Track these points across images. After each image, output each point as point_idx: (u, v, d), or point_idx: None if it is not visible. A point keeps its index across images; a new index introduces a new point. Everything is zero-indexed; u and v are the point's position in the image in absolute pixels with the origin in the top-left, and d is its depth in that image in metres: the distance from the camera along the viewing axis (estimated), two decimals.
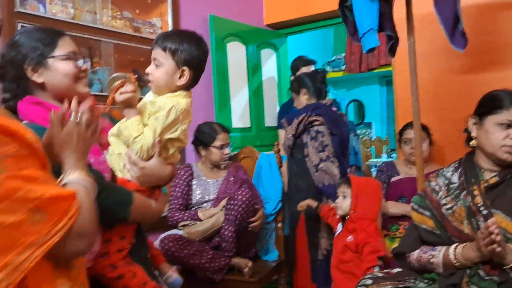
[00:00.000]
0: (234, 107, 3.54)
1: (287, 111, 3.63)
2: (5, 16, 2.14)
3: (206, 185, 2.75)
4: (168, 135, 1.48)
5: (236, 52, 3.58)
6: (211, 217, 2.57)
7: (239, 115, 3.58)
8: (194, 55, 1.49)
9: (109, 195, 1.33)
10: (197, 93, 3.27)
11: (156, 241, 2.50)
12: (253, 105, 3.73)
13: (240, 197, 2.48)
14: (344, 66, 5.24)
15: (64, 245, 0.87)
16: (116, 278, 1.40)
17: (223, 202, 2.59)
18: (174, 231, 2.56)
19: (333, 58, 5.40)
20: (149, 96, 1.55)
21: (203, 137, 2.75)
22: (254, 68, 3.76)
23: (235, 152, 3.07)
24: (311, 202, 2.61)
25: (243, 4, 3.78)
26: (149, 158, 1.47)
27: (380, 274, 1.82)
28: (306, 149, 2.71)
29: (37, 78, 1.37)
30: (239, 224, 2.48)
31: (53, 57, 1.37)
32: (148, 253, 1.61)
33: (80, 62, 1.43)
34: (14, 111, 1.36)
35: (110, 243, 1.41)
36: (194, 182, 2.76)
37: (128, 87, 1.45)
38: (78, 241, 0.91)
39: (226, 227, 2.48)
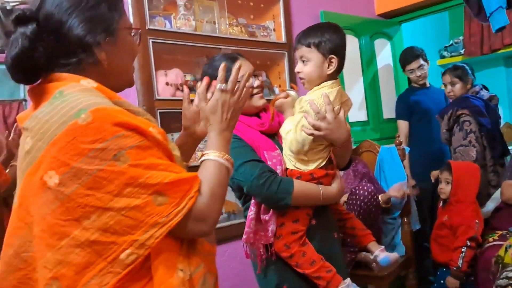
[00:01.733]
0: None
1: (405, 101, 3.54)
2: None
3: None
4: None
5: (348, 45, 3.47)
6: None
7: (356, 108, 3.54)
8: (337, 42, 1.60)
9: (271, 185, 1.56)
10: None
11: None
12: (369, 97, 3.67)
13: (362, 191, 2.45)
14: (463, 49, 4.92)
15: (185, 225, 0.94)
16: (289, 256, 1.62)
17: (345, 197, 2.58)
18: None
19: (450, 43, 5.10)
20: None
21: None
22: (368, 60, 3.70)
23: (354, 147, 3.05)
24: None
25: None
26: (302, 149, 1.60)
27: None
28: (453, 137, 3.01)
29: None
30: (362, 219, 2.45)
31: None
32: (335, 233, 1.77)
33: (251, 80, 1.60)
34: None
35: (284, 227, 1.63)
36: None
37: (279, 96, 1.68)
38: (198, 222, 0.96)
39: None
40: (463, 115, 2.99)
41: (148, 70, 2.40)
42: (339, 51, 1.60)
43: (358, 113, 3.56)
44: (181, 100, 2.50)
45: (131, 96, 2.37)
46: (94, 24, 0.98)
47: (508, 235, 2.45)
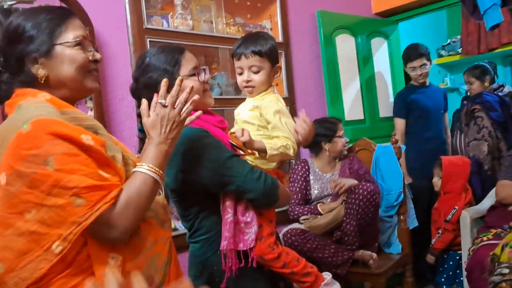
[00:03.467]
0: (346, 99, 3.52)
1: (404, 99, 3.55)
2: (136, 33, 2.38)
3: (323, 180, 2.78)
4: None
5: (345, 44, 3.56)
6: (330, 211, 2.60)
7: (352, 107, 3.55)
8: (277, 50, 1.66)
9: (266, 179, 1.47)
10: (309, 88, 3.34)
11: (279, 234, 2.59)
12: (366, 96, 3.68)
13: (361, 191, 2.47)
14: (461, 48, 4.93)
15: (97, 228, 1.03)
16: (276, 257, 1.55)
17: (343, 196, 2.60)
18: (295, 225, 2.62)
19: (447, 42, 5.10)
20: (245, 112, 1.67)
21: (326, 131, 2.76)
22: (364, 59, 3.71)
23: (350, 145, 3.07)
24: None
25: None
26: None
27: None
28: (469, 131, 3.31)
29: None
30: (361, 218, 2.46)
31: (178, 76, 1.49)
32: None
33: (202, 75, 1.53)
34: None
35: (263, 228, 1.55)
36: (311, 177, 2.80)
37: (237, 133, 1.54)
38: (108, 228, 1.05)
39: (347, 221, 2.48)
40: (476, 110, 3.25)
41: None
42: (278, 59, 1.68)
43: (354, 111, 3.57)
44: None
45: (129, 94, 2.38)
46: (24, 49, 1.13)
47: (502, 234, 2.46)
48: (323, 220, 2.56)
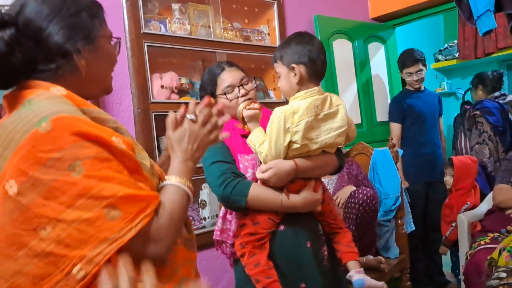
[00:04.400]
0: None
1: (399, 104, 3.56)
2: (134, 37, 2.38)
3: None
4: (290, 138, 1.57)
5: (342, 49, 3.58)
6: None
7: (349, 111, 3.52)
8: (298, 51, 1.61)
9: (226, 187, 1.61)
10: None
11: None
12: (363, 100, 3.69)
13: (360, 195, 2.46)
14: (457, 53, 4.95)
15: (140, 245, 0.89)
16: (240, 256, 1.67)
17: (343, 200, 2.59)
18: None
19: (444, 46, 5.13)
20: None
21: None
22: (361, 63, 3.72)
23: (347, 149, 3.07)
24: None
25: (347, 0, 3.77)
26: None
27: None
28: (472, 136, 3.53)
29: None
30: (359, 223, 2.46)
31: (216, 95, 1.77)
32: (309, 242, 1.68)
33: (236, 92, 1.74)
34: None
35: (244, 227, 1.68)
36: None
37: (255, 105, 1.68)
38: (154, 243, 0.91)
39: (346, 225, 2.46)
40: (477, 116, 3.47)
41: (143, 73, 2.42)
42: (303, 59, 1.59)
43: (351, 116, 3.54)
44: (176, 102, 2.54)
45: (126, 99, 2.39)
46: (74, 31, 0.97)
47: (500, 238, 2.46)
48: None
